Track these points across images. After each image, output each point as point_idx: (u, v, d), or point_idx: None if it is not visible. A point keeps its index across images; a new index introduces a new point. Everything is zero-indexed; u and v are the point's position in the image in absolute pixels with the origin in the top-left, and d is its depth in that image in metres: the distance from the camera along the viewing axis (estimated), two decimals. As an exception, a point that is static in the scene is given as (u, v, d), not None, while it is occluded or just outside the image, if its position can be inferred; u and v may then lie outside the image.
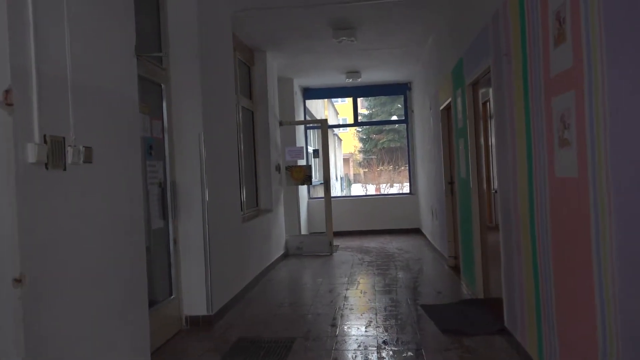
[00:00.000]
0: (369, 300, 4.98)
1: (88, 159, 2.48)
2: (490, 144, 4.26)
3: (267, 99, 7.31)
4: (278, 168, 7.76)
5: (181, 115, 4.29)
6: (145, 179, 3.78)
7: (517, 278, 3.30)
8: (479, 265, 4.70)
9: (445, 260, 6.55)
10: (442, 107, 6.34)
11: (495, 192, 3.83)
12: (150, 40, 4.10)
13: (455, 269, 6.15)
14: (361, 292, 5.32)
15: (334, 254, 7.97)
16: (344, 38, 6.24)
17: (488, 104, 4.24)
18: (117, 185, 2.83)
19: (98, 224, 2.61)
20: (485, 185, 4.38)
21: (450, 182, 6.36)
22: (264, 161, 7.27)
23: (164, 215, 4.11)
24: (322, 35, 6.46)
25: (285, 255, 7.91)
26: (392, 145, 25.81)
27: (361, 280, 5.91)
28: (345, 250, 8.22)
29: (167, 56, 4.22)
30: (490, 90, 3.75)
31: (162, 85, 4.17)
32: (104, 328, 2.63)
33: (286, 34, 6.42)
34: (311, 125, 10.53)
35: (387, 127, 27.31)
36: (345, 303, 4.92)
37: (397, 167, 23.52)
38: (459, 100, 5.12)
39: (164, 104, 4.19)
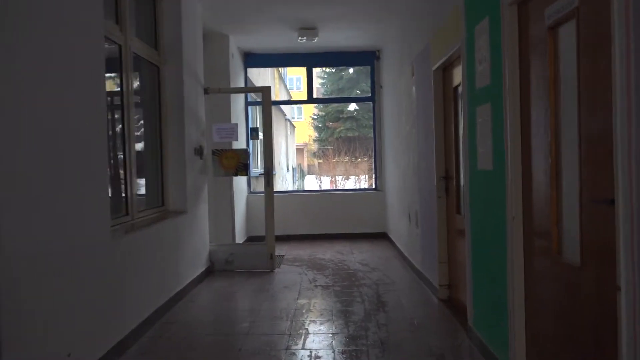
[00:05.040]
0: (324, 378, 2.88)
1: None
2: (560, 106, 2.24)
3: (182, 52, 5.04)
4: (199, 152, 5.52)
5: None
6: None
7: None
8: (520, 322, 2.68)
9: (434, 290, 4.54)
10: (435, 67, 4.30)
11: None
12: None
13: (451, 305, 4.16)
14: (311, 359, 3.21)
15: (276, 269, 5.83)
16: (294, -47, 4.08)
17: (560, 27, 2.20)
18: None
19: None
20: (544, 183, 2.35)
21: (445, 177, 4.35)
22: (176, 141, 5.01)
23: None
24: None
25: (210, 272, 5.71)
26: (350, 134, 23.91)
27: (311, 328, 3.79)
28: (293, 265, 6.09)
29: None
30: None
31: None
32: None
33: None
34: (255, 101, 8.29)
35: (345, 114, 25.48)
36: (283, 387, 2.81)
37: (354, 158, 21.67)
38: (481, 39, 3.07)
39: None
